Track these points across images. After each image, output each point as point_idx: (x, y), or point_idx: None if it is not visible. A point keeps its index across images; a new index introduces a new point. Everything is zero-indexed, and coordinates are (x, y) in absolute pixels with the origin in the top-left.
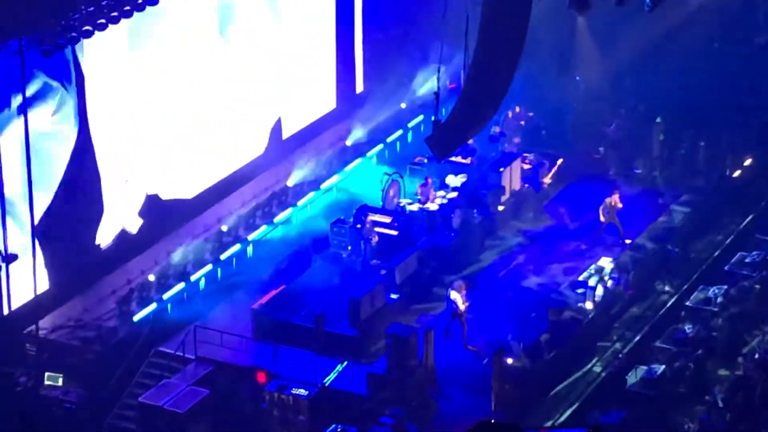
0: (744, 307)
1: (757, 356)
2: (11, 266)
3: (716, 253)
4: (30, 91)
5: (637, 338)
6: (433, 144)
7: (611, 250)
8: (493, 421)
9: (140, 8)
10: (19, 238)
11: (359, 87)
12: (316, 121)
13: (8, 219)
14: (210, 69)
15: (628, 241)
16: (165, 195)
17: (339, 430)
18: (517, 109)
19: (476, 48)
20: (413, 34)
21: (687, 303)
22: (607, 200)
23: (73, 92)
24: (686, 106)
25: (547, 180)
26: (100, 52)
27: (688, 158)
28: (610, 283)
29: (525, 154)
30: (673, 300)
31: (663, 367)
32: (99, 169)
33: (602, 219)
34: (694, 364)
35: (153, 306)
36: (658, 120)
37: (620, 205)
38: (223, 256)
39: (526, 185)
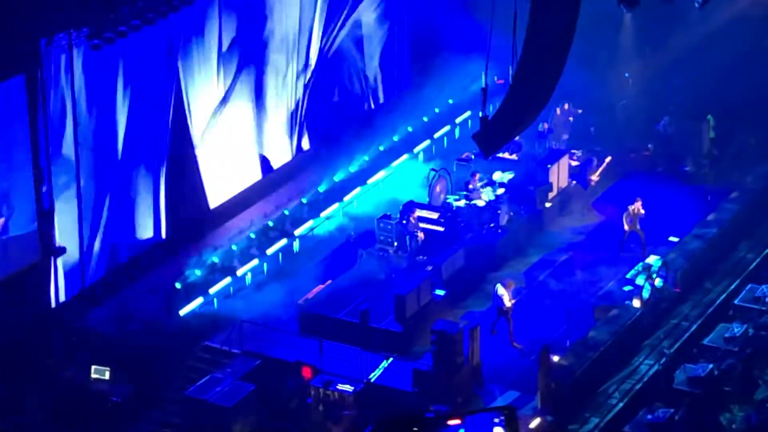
0: None
1: None
2: (59, 259)
3: (765, 252)
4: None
5: (685, 336)
6: (481, 140)
7: (659, 247)
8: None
9: (187, 1)
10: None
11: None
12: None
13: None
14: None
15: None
16: (213, 192)
17: None
18: (566, 105)
19: (524, 43)
20: (461, 29)
21: (735, 302)
22: (630, 208)
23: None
24: (736, 104)
25: (594, 177)
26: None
27: (737, 156)
28: (657, 280)
29: (573, 151)
30: (721, 298)
31: (711, 366)
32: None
33: (625, 227)
34: (742, 363)
35: (200, 300)
36: (709, 117)
37: (643, 212)
38: (269, 251)
39: (574, 182)
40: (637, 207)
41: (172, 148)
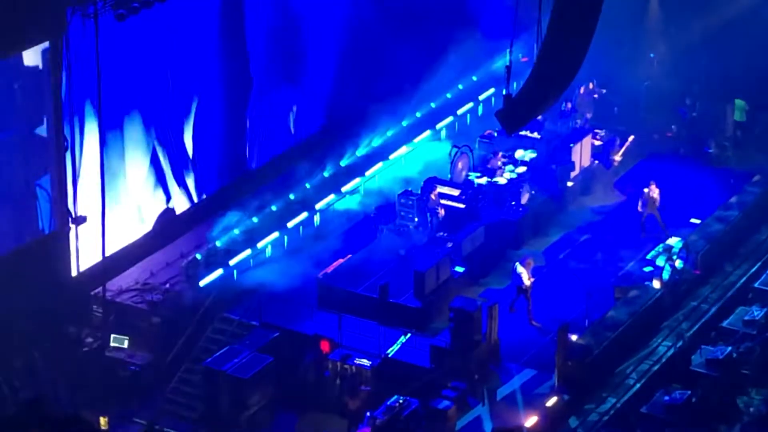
0: None
1: None
2: (80, 228)
3: None
4: None
5: (704, 319)
6: (504, 118)
7: (680, 229)
8: None
9: None
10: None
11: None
12: None
13: None
14: None
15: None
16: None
17: (401, 401)
18: (590, 84)
19: (550, 22)
20: (486, 6)
21: (756, 285)
22: (645, 191)
23: None
24: (761, 86)
25: (617, 157)
26: None
27: (761, 138)
28: (678, 262)
29: (596, 131)
30: (741, 281)
31: (729, 348)
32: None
33: (639, 210)
34: (761, 346)
35: (219, 272)
36: (738, 101)
37: (656, 196)
38: (290, 224)
39: (596, 161)
40: (652, 189)
41: (198, 116)
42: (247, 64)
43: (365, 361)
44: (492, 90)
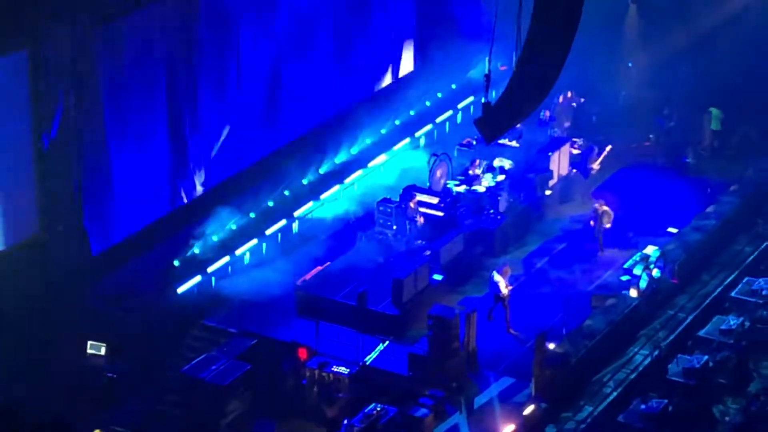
0: None
1: None
2: (60, 233)
3: (764, 245)
4: None
5: (681, 328)
6: (483, 126)
7: (658, 238)
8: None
9: None
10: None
11: (409, 67)
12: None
13: None
14: None
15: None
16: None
17: (378, 409)
18: (569, 93)
19: (529, 30)
20: (466, 14)
21: (732, 294)
22: (596, 206)
23: None
24: (740, 96)
25: (595, 166)
26: None
27: (738, 148)
28: (655, 271)
29: (574, 139)
30: (718, 290)
31: (706, 357)
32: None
33: (595, 224)
34: (737, 355)
35: (197, 279)
36: (713, 110)
37: (603, 208)
38: (268, 231)
39: (574, 170)
40: (600, 207)
41: (175, 124)
42: (232, 70)
43: (343, 369)
44: (471, 98)
